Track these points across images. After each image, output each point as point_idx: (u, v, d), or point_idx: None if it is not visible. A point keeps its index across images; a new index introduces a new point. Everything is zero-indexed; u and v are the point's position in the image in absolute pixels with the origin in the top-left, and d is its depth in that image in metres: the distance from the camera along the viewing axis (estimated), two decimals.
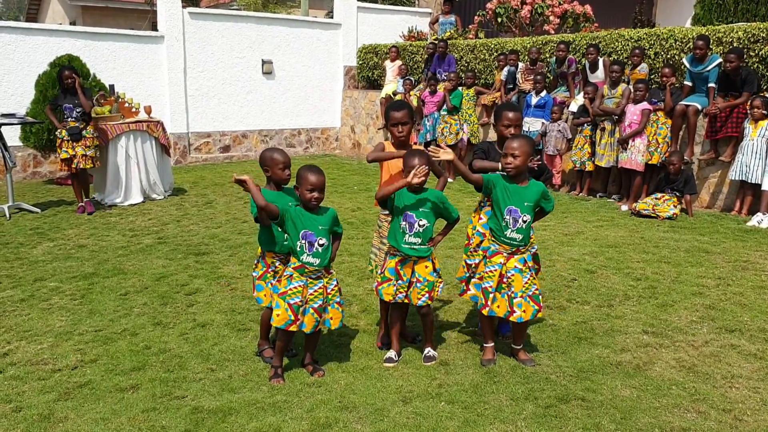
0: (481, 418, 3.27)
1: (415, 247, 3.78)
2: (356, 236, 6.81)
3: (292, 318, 3.58)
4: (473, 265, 3.97)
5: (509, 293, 3.78)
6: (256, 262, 3.93)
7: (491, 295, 3.79)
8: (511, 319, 3.81)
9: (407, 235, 3.76)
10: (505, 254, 3.80)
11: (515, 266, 3.78)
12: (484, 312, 3.83)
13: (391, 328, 4.01)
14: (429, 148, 3.85)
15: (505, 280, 3.79)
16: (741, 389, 3.58)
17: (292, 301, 3.58)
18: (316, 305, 3.61)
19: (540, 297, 3.85)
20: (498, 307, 3.80)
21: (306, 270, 3.61)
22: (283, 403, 3.41)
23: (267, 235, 3.81)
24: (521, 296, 3.76)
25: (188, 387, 3.60)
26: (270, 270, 3.83)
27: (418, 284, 3.82)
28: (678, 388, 3.59)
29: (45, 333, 4.36)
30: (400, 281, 3.81)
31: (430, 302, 3.87)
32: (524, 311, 3.77)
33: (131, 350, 4.08)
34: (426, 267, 3.83)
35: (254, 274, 3.91)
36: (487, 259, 3.84)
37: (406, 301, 3.87)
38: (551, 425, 3.21)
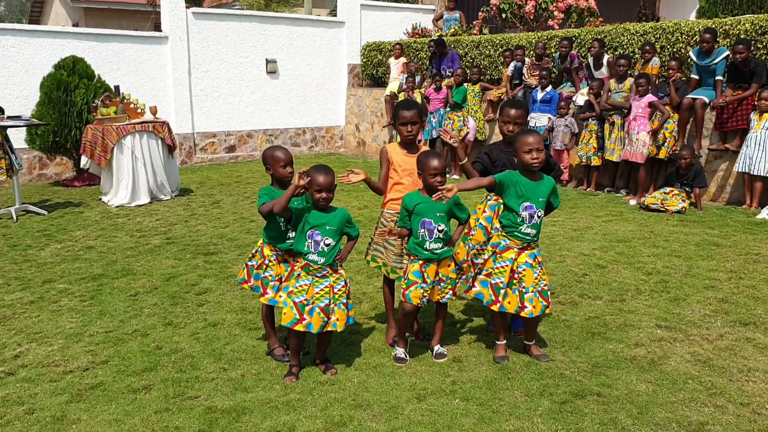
0: (497, 415, 3.25)
1: (436, 252, 3.75)
2: (364, 235, 6.76)
3: (297, 317, 3.56)
4: (480, 263, 3.94)
5: (520, 289, 3.75)
6: (254, 251, 3.94)
7: (502, 291, 3.76)
8: (522, 314, 3.77)
9: (428, 242, 3.73)
10: (516, 249, 3.77)
11: (526, 261, 3.75)
12: (495, 308, 3.79)
13: (401, 329, 3.97)
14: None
15: (515, 275, 3.76)
16: (758, 383, 3.55)
17: (297, 300, 3.57)
18: (321, 305, 3.58)
19: (548, 293, 3.82)
20: (509, 303, 3.76)
21: (311, 268, 3.60)
22: (296, 402, 3.39)
23: (271, 228, 3.81)
24: (532, 291, 3.73)
25: (201, 387, 3.58)
26: (265, 263, 3.84)
27: (442, 283, 3.81)
28: (694, 382, 3.56)
29: (55, 335, 4.35)
30: (425, 284, 3.77)
31: (454, 298, 3.93)
32: (534, 307, 3.74)
33: (142, 351, 4.07)
34: (449, 266, 3.83)
35: (249, 263, 3.92)
36: (498, 255, 3.79)
37: (426, 304, 3.86)
38: (567, 421, 3.18)
